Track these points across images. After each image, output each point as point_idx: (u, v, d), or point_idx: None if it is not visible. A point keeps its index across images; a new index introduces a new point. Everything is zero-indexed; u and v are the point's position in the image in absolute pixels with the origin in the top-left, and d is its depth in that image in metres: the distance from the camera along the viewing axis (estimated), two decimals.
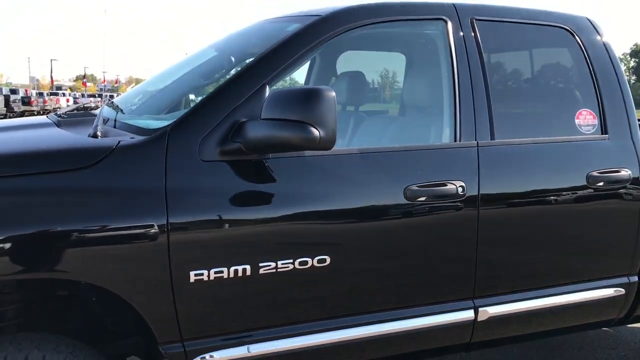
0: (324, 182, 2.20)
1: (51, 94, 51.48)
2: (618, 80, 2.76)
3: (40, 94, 46.58)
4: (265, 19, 2.93)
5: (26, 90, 43.74)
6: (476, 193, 2.36)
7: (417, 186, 2.27)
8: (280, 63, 2.20)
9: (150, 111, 2.50)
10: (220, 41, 2.97)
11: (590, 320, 2.83)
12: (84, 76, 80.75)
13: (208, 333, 2.08)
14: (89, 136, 2.13)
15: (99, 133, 2.13)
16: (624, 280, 2.75)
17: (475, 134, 2.43)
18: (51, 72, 73.45)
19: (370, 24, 2.44)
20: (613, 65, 2.78)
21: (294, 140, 1.89)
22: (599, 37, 2.80)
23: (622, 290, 2.74)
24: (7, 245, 1.80)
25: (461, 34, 2.51)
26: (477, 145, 2.42)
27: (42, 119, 2.71)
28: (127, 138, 2.08)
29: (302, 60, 2.27)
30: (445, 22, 2.52)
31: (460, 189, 2.32)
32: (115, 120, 2.36)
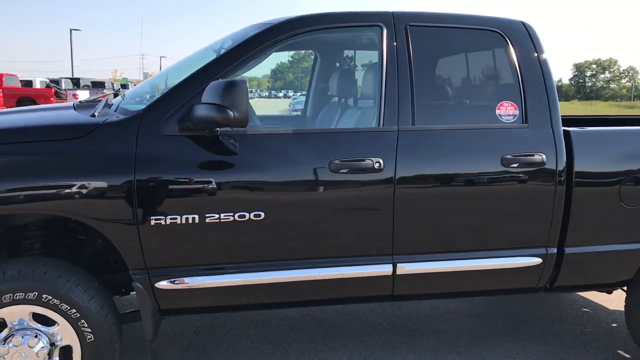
0: (262, 155, 2.80)
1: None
2: (543, 77, 3.15)
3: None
4: (253, 24, 3.56)
5: (135, 84, 47.12)
6: (393, 168, 2.88)
7: (340, 161, 2.82)
8: (231, 62, 2.84)
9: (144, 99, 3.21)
10: (217, 42, 3.63)
11: (511, 286, 3.24)
12: None
13: (166, 264, 2.76)
14: (90, 116, 2.88)
15: (96, 113, 2.88)
16: (542, 251, 3.14)
17: (397, 121, 2.94)
18: (160, 69, 78.32)
19: (314, 30, 3.02)
20: (540, 64, 3.17)
21: (217, 119, 2.53)
22: (529, 39, 3.20)
23: (539, 260, 3.14)
24: (27, 193, 2.56)
25: (393, 38, 3.03)
26: (398, 130, 2.93)
27: (67, 104, 3.52)
28: (114, 117, 2.81)
29: (251, 60, 2.89)
30: (381, 28, 3.04)
31: (377, 165, 2.85)
32: (117, 106, 3.09)
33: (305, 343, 3.79)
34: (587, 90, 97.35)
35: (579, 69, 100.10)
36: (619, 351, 3.78)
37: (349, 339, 3.87)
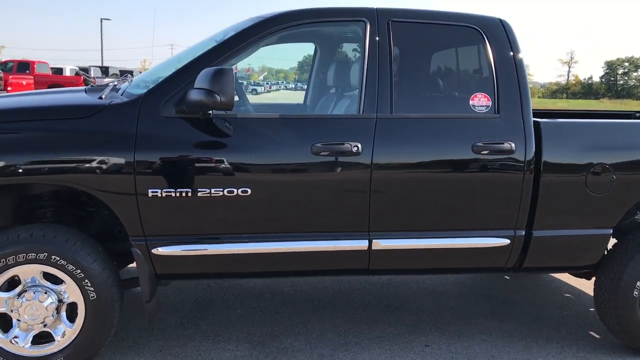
0: (251, 137, 3.09)
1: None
2: (517, 71, 3.38)
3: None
4: (251, 17, 3.84)
5: None
6: (370, 152, 3.15)
7: (321, 144, 3.10)
8: (225, 52, 3.15)
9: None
10: (219, 33, 3.92)
11: (480, 265, 3.48)
12: None
13: (161, 233, 3.08)
14: (97, 98, 3.21)
15: (103, 96, 3.20)
16: (510, 232, 3.38)
17: (376, 109, 3.20)
18: None
19: (303, 24, 3.30)
20: (514, 59, 3.39)
21: (206, 102, 2.83)
22: (505, 35, 3.42)
23: (507, 241, 3.38)
24: (39, 166, 2.90)
25: (376, 32, 3.28)
26: (376, 117, 3.19)
27: (80, 88, 3.86)
28: (119, 100, 3.12)
29: (242, 50, 3.18)
30: (365, 23, 3.30)
31: (355, 148, 3.11)
32: (124, 90, 3.41)
33: (295, 315, 4.09)
34: (619, 89, 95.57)
35: (611, 66, 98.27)
36: (591, 332, 4.01)
37: (336, 312, 4.16)
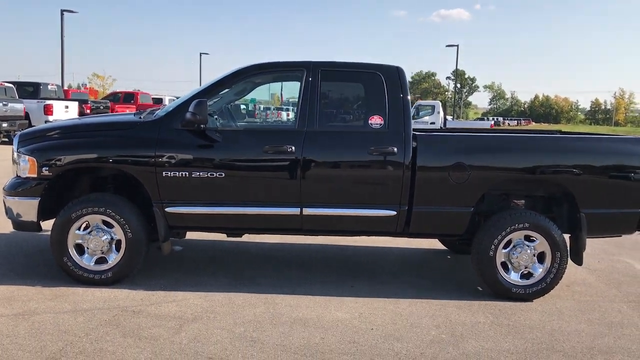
0: (227, 141, 5.05)
1: (276, 109, 59.36)
2: (402, 102, 5.13)
3: (268, 109, 54.23)
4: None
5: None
6: (301, 151, 5.00)
7: (269, 146, 5.01)
8: (213, 89, 5.16)
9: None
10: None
11: (379, 229, 5.22)
12: None
13: (171, 199, 5.07)
14: (139, 118, 5.30)
15: (142, 117, 5.30)
16: (396, 207, 5.09)
17: (305, 125, 5.07)
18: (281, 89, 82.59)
19: (267, 72, 5.28)
20: (402, 94, 5.15)
21: (190, 119, 4.83)
22: (397, 78, 5.19)
23: (394, 212, 5.09)
24: (111, 158, 5.01)
25: (309, 76, 5.16)
26: (305, 130, 5.05)
27: (131, 112, 5.99)
28: (150, 119, 5.19)
29: (227, 88, 5.20)
30: (304, 71, 5.20)
31: (289, 149, 4.98)
32: (156, 113, 5.47)
33: (276, 268, 5.95)
34: None
35: None
36: (478, 287, 5.56)
37: (309, 269, 5.97)
